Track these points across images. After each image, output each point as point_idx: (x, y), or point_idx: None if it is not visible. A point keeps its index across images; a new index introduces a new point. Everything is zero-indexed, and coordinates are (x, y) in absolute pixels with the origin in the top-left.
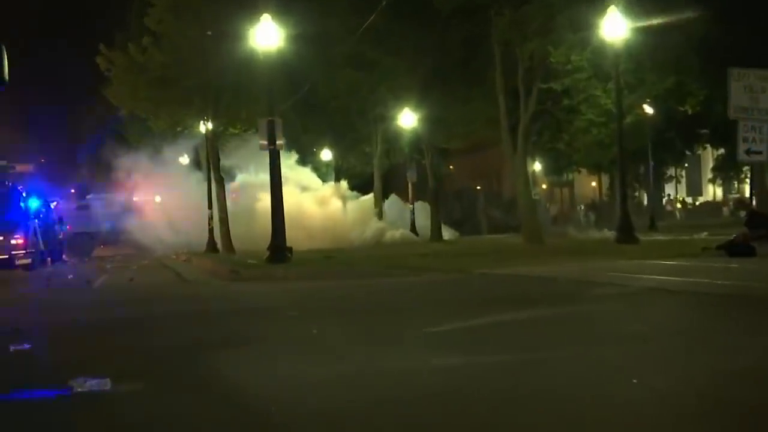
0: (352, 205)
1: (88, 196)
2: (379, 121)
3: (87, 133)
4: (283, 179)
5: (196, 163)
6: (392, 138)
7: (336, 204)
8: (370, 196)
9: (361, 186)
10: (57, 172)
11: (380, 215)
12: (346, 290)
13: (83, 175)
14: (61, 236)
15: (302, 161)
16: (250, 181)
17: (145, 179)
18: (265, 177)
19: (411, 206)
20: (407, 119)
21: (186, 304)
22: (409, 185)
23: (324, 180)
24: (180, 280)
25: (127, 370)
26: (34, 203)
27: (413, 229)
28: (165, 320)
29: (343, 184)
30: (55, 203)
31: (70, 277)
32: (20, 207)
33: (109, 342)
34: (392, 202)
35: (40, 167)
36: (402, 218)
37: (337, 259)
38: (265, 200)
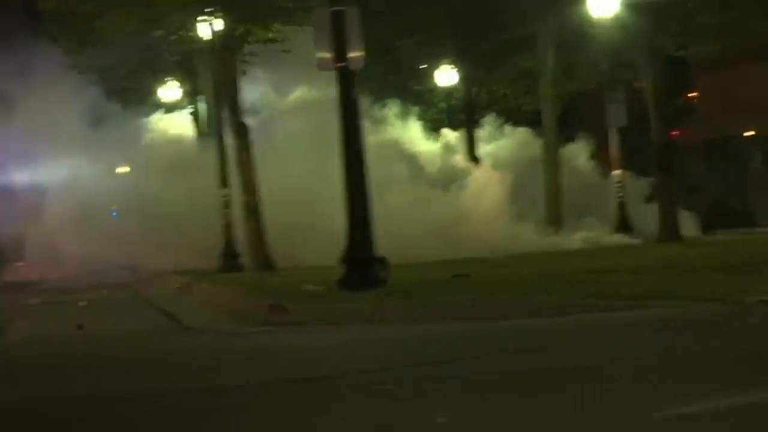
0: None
1: None
2: (550, 9)
3: None
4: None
5: (195, 107)
6: (574, 42)
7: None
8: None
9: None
10: None
11: (555, 192)
12: (498, 340)
13: None
14: None
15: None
16: (291, 131)
17: (98, 135)
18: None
19: (617, 177)
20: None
21: (188, 377)
22: (610, 136)
23: (440, 126)
24: (174, 326)
25: None
26: None
27: (623, 220)
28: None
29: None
30: None
31: None
32: None
33: None
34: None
35: None
36: (591, 200)
37: (475, 281)
38: (325, 170)
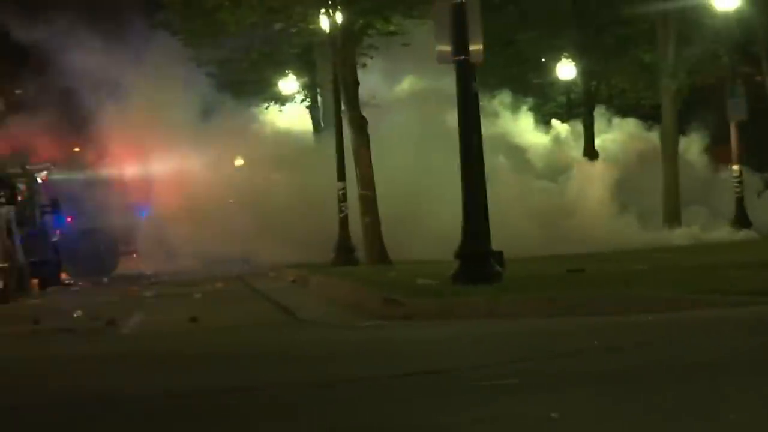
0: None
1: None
2: (671, 2)
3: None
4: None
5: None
6: (695, 35)
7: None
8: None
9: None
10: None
11: (674, 187)
12: (614, 335)
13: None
14: (55, 238)
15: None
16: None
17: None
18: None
19: (735, 171)
20: None
21: (301, 370)
22: (731, 130)
23: (562, 120)
24: (287, 318)
25: None
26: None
27: (741, 215)
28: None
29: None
30: (44, 173)
31: (76, 314)
32: None
33: None
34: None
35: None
36: (710, 195)
37: (590, 276)
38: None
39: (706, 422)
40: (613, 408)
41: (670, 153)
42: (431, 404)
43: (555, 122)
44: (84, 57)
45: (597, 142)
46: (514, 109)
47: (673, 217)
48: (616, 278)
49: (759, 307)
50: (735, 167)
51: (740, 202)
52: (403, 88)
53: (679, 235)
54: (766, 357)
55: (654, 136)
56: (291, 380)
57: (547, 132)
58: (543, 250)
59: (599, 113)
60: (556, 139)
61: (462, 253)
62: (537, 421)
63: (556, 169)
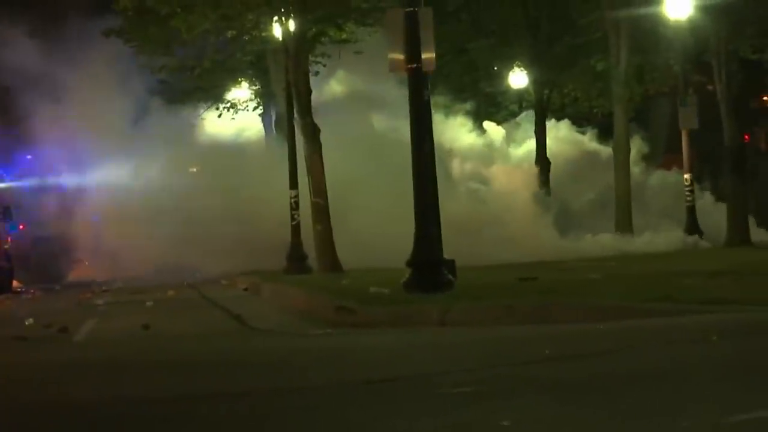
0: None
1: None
2: (623, 7)
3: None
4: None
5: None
6: (645, 43)
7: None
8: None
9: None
10: None
11: (625, 195)
12: (565, 343)
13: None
14: (7, 245)
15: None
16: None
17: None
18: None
19: (687, 179)
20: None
21: (253, 378)
22: (683, 138)
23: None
24: (239, 326)
25: None
26: None
27: (692, 224)
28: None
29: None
30: None
31: (28, 322)
32: None
33: None
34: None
35: None
36: (661, 204)
37: (542, 284)
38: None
39: (659, 429)
40: (567, 416)
41: (622, 161)
42: (388, 411)
43: (488, 125)
44: (26, 60)
45: (524, 147)
46: (448, 111)
47: (625, 225)
48: (569, 287)
49: (711, 315)
50: (686, 176)
51: (691, 210)
52: (357, 94)
53: (628, 243)
54: (721, 365)
55: (585, 140)
56: (246, 389)
57: (480, 135)
58: (476, 259)
59: (530, 118)
60: (489, 144)
61: (414, 261)
62: (491, 429)
63: (483, 175)
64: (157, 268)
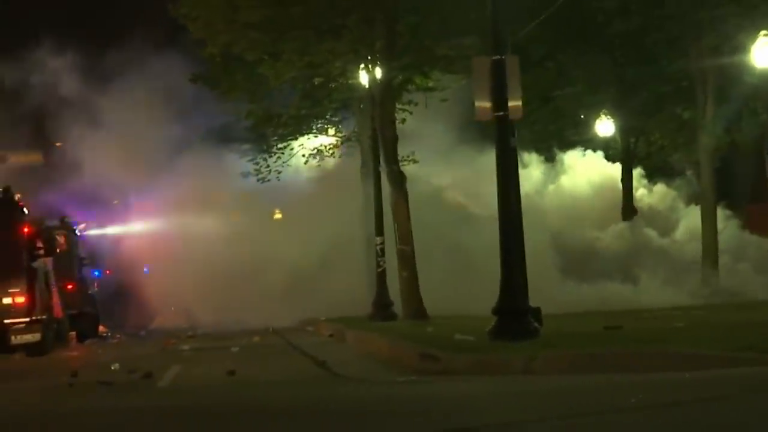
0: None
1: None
2: (710, 56)
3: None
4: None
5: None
6: (731, 92)
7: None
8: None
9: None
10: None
11: (712, 243)
12: (651, 392)
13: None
14: (93, 290)
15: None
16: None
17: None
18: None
19: None
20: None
21: (338, 426)
22: None
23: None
24: (325, 373)
25: None
26: (34, 227)
27: None
28: None
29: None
30: (82, 226)
31: (113, 367)
32: (16, 235)
33: None
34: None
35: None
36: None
37: (628, 333)
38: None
39: None
40: None
41: (709, 210)
42: None
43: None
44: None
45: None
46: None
47: (711, 275)
48: (654, 335)
49: None
50: None
51: None
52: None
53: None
54: None
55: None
56: None
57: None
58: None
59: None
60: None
61: (500, 309)
62: None
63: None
64: (242, 315)
